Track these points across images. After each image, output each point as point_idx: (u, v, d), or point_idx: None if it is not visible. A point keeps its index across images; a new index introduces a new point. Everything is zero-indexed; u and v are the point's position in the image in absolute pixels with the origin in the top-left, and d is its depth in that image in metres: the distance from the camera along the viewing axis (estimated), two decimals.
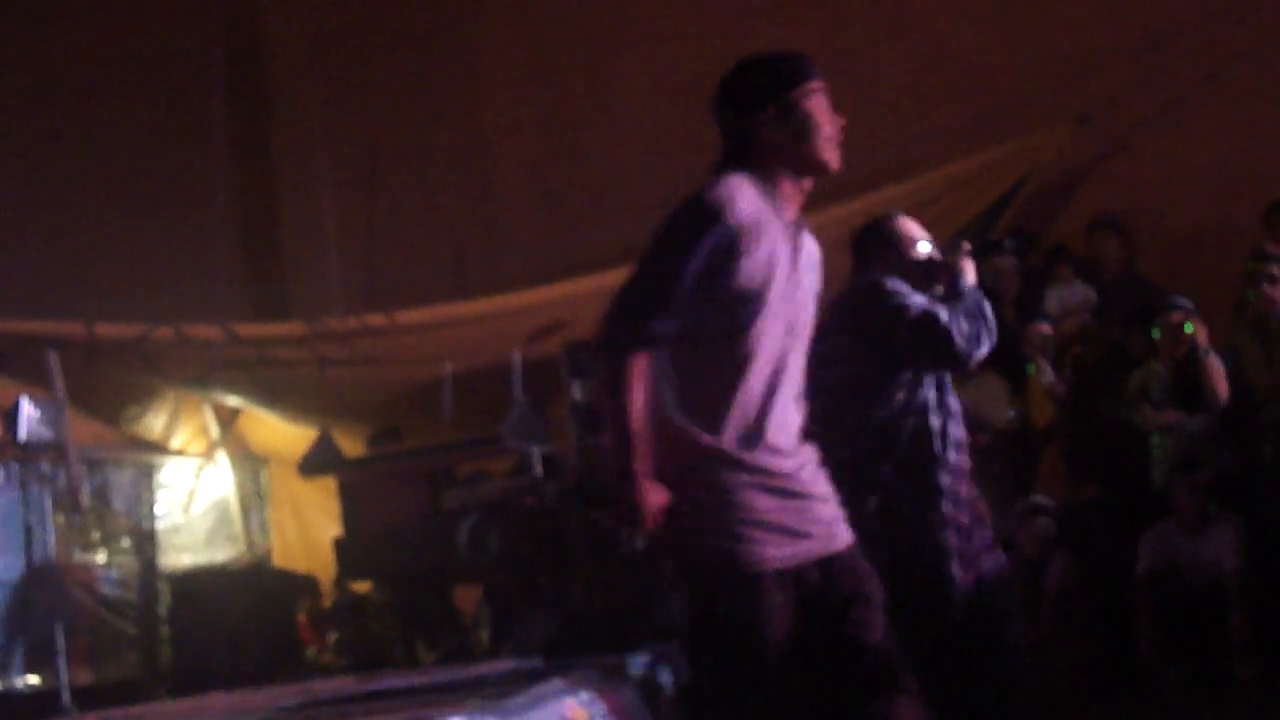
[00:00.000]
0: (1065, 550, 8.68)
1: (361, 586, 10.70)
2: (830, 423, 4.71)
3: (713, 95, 3.92)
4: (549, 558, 9.24)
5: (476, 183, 12.99)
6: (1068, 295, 10.12)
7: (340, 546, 10.45)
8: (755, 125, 3.80)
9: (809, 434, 4.02)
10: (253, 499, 12.70)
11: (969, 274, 5.06)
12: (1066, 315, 9.90)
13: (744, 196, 3.67)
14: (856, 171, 10.90)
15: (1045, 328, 9.48)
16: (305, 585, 11.39)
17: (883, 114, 11.39)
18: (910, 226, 5.20)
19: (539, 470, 9.59)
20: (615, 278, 11.03)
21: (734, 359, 3.65)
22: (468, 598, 10.48)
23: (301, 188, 13.83)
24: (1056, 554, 8.70)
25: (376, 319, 11.63)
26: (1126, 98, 10.69)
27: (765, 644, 3.53)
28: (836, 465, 4.22)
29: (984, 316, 4.88)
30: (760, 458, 3.64)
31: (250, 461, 12.69)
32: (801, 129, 3.81)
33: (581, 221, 12.24)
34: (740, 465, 3.62)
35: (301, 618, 11.19)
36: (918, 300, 4.89)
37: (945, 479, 4.89)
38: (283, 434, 12.31)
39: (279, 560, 12.41)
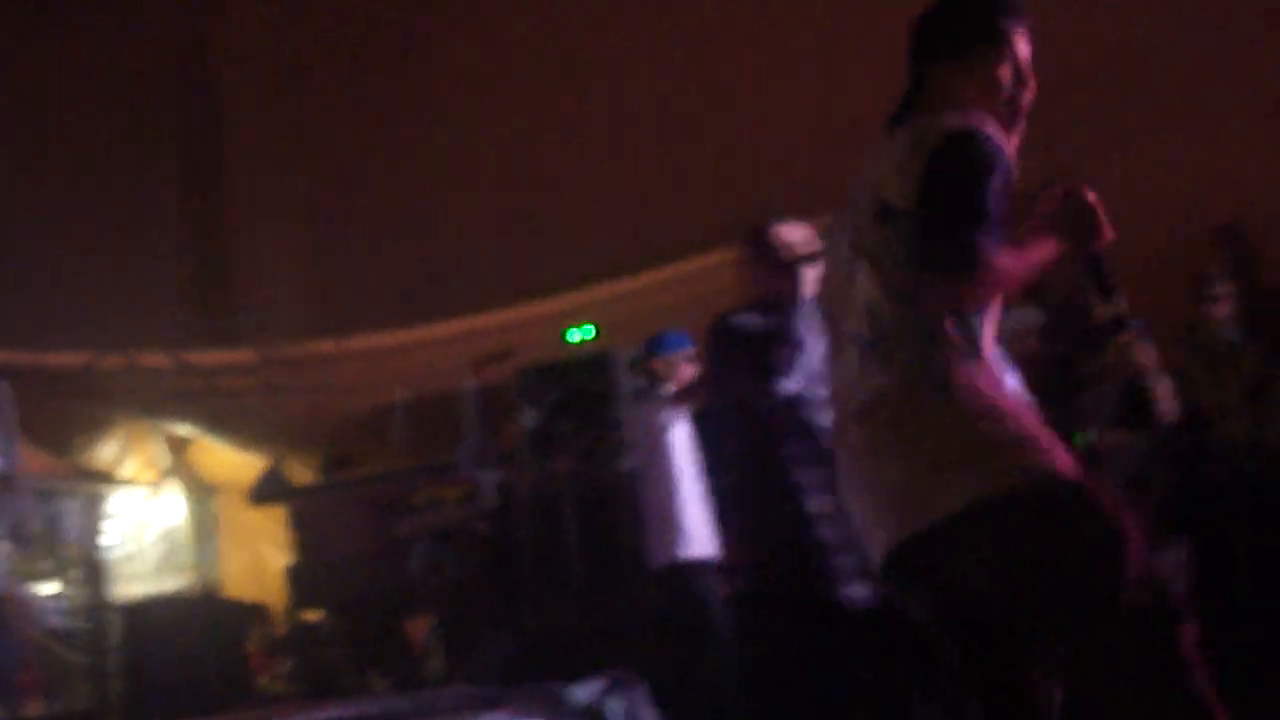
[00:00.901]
0: None
1: (313, 615, 10.67)
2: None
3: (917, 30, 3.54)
4: (502, 585, 9.23)
5: (428, 208, 12.97)
6: (1015, 319, 10.17)
7: (291, 575, 10.43)
8: (974, 63, 3.43)
9: None
10: (203, 528, 12.64)
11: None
12: (1014, 339, 9.95)
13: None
14: (784, 202, 11.03)
15: None
16: (256, 614, 11.34)
17: (809, 146, 11.42)
18: (792, 231, 5.30)
19: (491, 497, 9.58)
20: (567, 301, 11.05)
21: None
22: (420, 625, 10.45)
23: (252, 215, 13.78)
24: None
25: (327, 346, 11.60)
26: (1071, 128, 10.75)
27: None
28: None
29: (799, 347, 4.95)
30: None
31: (201, 490, 12.64)
32: (1021, 72, 3.44)
33: (534, 246, 12.22)
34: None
35: (253, 647, 11.14)
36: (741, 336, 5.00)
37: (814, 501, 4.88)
38: (233, 463, 12.27)
39: (230, 589, 12.34)
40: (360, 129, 13.30)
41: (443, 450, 9.69)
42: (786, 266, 5.19)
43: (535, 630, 8.90)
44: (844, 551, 4.81)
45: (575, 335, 10.35)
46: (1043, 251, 3.27)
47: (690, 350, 7.32)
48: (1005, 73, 3.43)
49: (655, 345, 7.39)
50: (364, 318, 12.28)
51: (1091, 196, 3.35)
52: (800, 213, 10.67)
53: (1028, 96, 3.45)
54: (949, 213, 3.12)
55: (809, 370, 4.96)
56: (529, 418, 9.58)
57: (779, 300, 5.16)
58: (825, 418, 4.87)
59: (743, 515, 5.06)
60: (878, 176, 3.31)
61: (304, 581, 10.39)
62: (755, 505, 5.00)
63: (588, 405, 9.70)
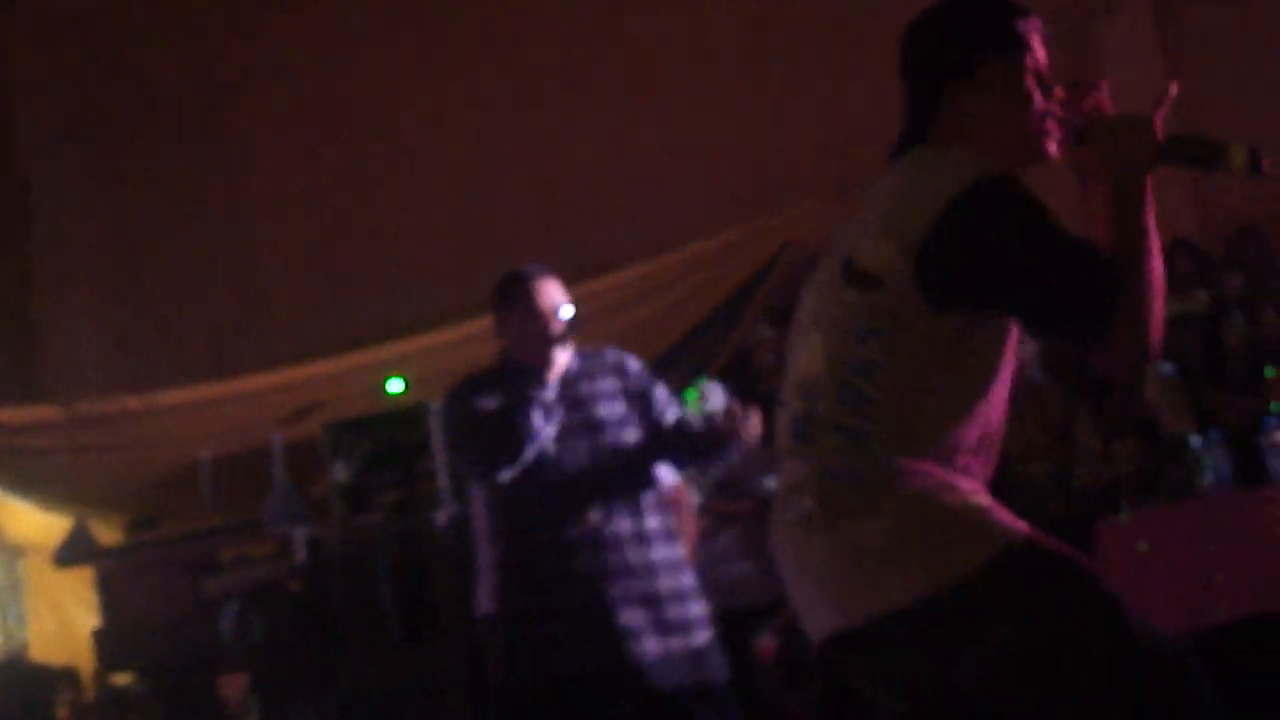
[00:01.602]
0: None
1: (123, 678, 10.45)
2: None
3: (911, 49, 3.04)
4: (316, 642, 9.11)
5: (237, 260, 12.79)
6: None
7: (100, 638, 10.21)
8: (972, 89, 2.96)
9: None
10: (8, 591, 12.31)
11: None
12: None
13: None
14: (606, 250, 11.10)
15: None
16: (65, 678, 11.06)
17: (634, 192, 11.49)
18: (548, 289, 5.03)
19: (302, 553, 9.46)
20: (379, 354, 10.91)
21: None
22: (234, 686, 10.25)
23: (56, 268, 13.47)
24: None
25: (134, 402, 11.36)
26: (881, 168, 10.92)
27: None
28: None
29: (516, 432, 4.75)
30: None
31: (4, 552, 12.31)
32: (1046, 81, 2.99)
33: (346, 298, 12.11)
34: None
35: (62, 712, 10.88)
36: (459, 414, 4.88)
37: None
38: (38, 523, 11.95)
39: (37, 653, 12.02)
40: (168, 179, 13.07)
41: (252, 507, 9.55)
42: (540, 328, 4.99)
43: (351, 688, 8.79)
44: (582, 620, 4.74)
45: (387, 388, 10.27)
46: (1127, 208, 2.77)
47: None
48: (1030, 84, 2.93)
49: None
50: (172, 372, 12.05)
51: (1105, 113, 2.87)
52: (618, 262, 10.83)
53: (1056, 108, 2.95)
54: (1047, 279, 2.71)
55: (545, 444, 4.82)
56: (339, 472, 9.48)
57: (523, 367, 4.98)
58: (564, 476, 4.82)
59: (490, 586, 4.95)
60: (853, 231, 2.96)
61: (113, 644, 10.17)
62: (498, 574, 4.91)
63: (400, 458, 9.63)
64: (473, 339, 10.96)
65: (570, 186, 11.76)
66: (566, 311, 5.03)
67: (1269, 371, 7.67)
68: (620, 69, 11.76)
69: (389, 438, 9.67)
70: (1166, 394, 7.76)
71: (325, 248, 12.51)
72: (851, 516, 2.79)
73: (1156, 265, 2.74)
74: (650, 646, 4.73)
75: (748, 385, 9.52)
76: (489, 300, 10.93)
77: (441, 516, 9.03)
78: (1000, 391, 2.88)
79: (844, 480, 2.81)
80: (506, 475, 4.72)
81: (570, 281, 10.84)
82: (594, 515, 4.76)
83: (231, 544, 10.32)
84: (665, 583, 4.82)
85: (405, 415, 9.80)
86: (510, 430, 4.70)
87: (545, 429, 4.73)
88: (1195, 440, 6.77)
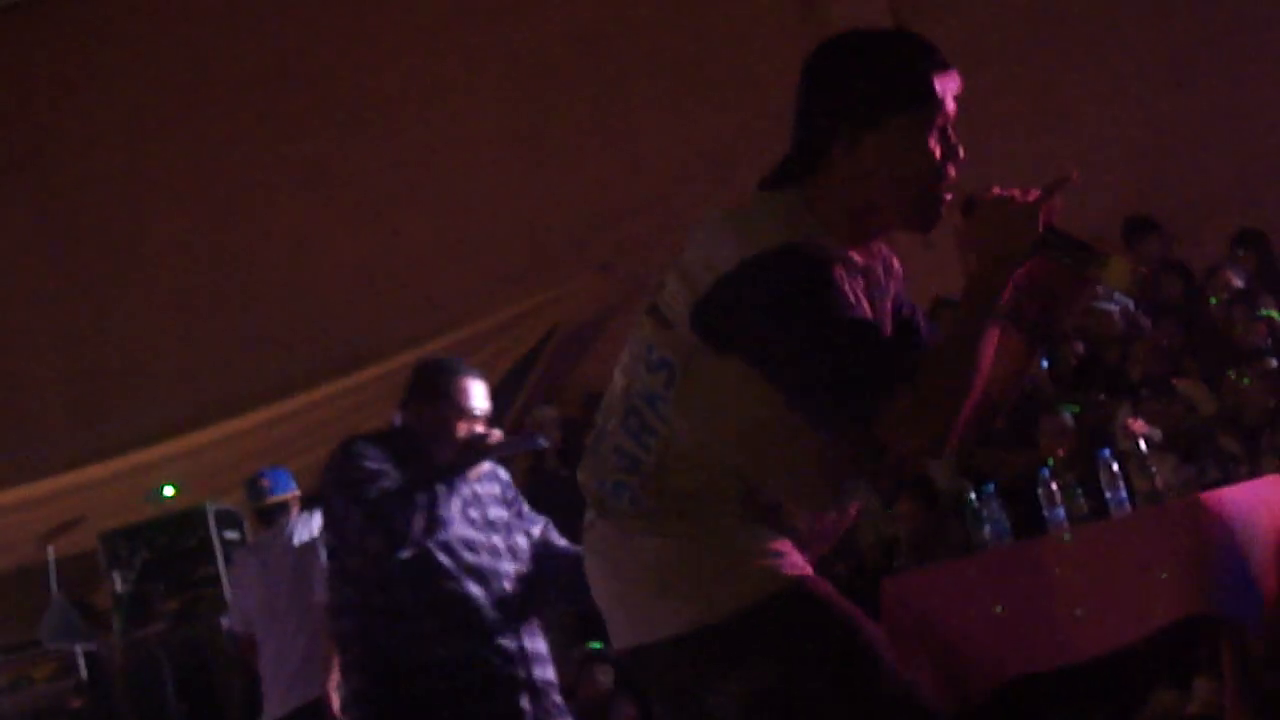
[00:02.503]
0: (627, 700, 8.21)
1: None
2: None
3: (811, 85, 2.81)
4: None
5: None
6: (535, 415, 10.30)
7: None
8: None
9: None
10: None
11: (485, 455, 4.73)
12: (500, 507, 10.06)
13: None
14: (395, 332, 11.03)
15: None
16: None
17: (417, 275, 11.47)
18: (467, 390, 4.75)
19: (83, 670, 9.17)
20: (142, 458, 10.61)
21: None
22: None
23: None
24: (616, 705, 8.22)
25: None
26: (646, 243, 11.07)
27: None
28: None
29: (429, 510, 4.50)
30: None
31: None
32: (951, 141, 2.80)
33: (109, 401, 11.82)
34: None
35: None
36: (366, 469, 4.56)
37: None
38: None
39: None
40: None
41: (27, 627, 9.23)
42: (448, 427, 4.73)
43: None
44: (477, 699, 4.62)
45: (160, 494, 10.06)
46: (979, 297, 2.64)
47: (296, 491, 7.16)
48: (934, 143, 2.74)
49: (265, 490, 7.16)
50: None
51: (996, 191, 2.70)
52: (391, 350, 10.76)
53: (953, 172, 2.76)
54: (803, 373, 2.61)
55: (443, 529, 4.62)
56: (116, 583, 9.24)
57: (426, 452, 4.73)
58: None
59: (359, 667, 4.78)
60: (671, 266, 2.81)
61: None
62: (371, 657, 4.67)
63: (178, 564, 9.43)
64: (241, 435, 10.82)
65: (336, 277, 11.68)
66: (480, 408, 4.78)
67: (1071, 407, 7.82)
68: (387, 156, 11.74)
69: (165, 544, 9.46)
70: None
71: (87, 349, 12.20)
72: (626, 538, 2.78)
73: (984, 358, 2.60)
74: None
75: (539, 463, 9.54)
76: (252, 397, 10.88)
77: (226, 621, 8.83)
78: (805, 438, 2.73)
79: (618, 502, 2.79)
80: (407, 553, 4.57)
81: (338, 372, 10.94)
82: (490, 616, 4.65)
83: (8, 667, 9.95)
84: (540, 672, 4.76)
85: (181, 519, 9.61)
86: (430, 506, 4.51)
87: (452, 517, 4.59)
88: (971, 496, 6.89)
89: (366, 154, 11.82)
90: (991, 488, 6.87)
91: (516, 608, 4.68)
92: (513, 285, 11.05)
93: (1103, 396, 8.35)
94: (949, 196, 2.76)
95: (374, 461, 4.58)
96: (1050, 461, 6.80)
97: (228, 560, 9.07)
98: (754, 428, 2.73)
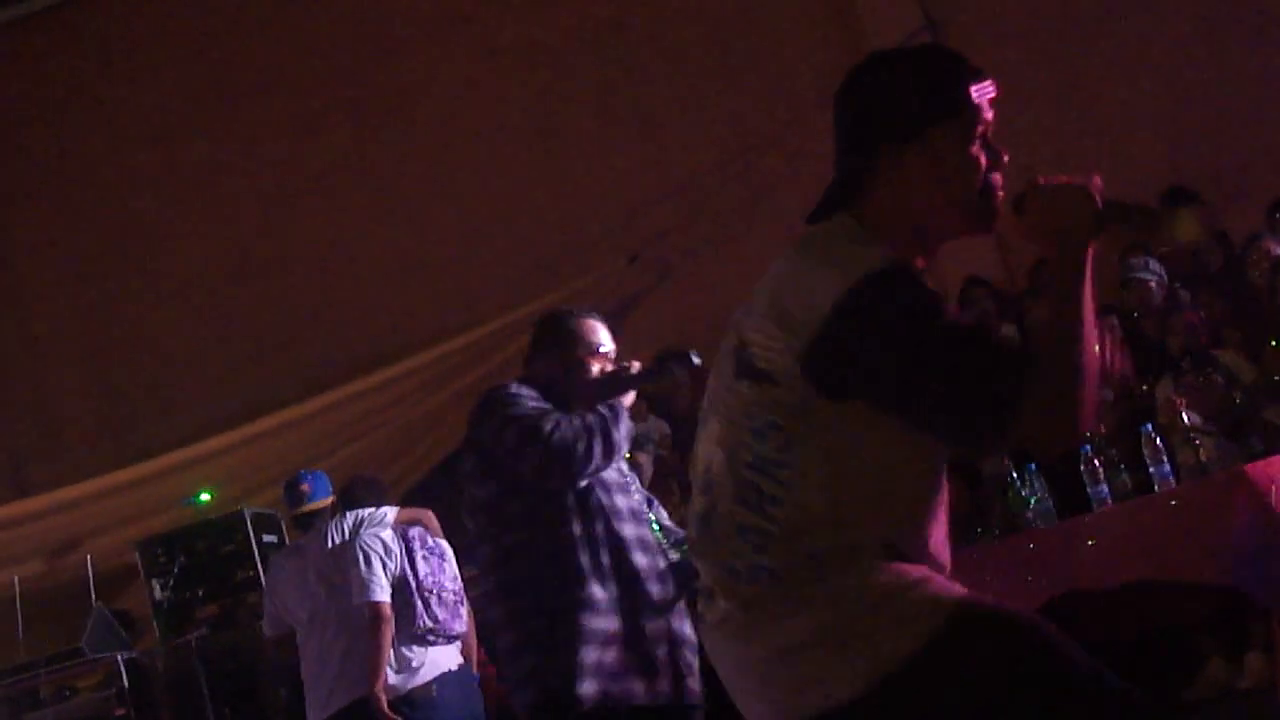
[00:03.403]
0: None
1: None
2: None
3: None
4: None
5: (29, 386, 12.41)
6: (642, 430, 10.28)
7: None
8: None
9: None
10: None
11: (627, 396, 4.64)
12: (639, 450, 10.03)
13: None
14: (423, 328, 11.02)
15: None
16: None
17: (444, 271, 11.46)
18: (593, 329, 4.72)
19: (125, 679, 9.15)
20: (173, 460, 10.57)
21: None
22: None
23: None
24: None
25: None
26: (672, 233, 11.01)
27: None
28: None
29: (595, 434, 4.41)
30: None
31: None
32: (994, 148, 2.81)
33: (142, 414, 11.84)
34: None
35: None
36: (531, 406, 4.48)
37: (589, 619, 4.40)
38: None
39: None
40: None
41: (70, 635, 9.22)
42: (585, 366, 4.67)
43: None
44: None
45: (197, 500, 10.05)
46: (1066, 281, 2.61)
47: (332, 495, 7.12)
48: (977, 150, 2.74)
49: (305, 496, 7.12)
50: None
51: (1042, 180, 2.70)
52: (433, 340, 10.73)
53: (1000, 177, 2.77)
54: (933, 378, 2.53)
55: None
56: (155, 590, 9.22)
57: (563, 393, 4.63)
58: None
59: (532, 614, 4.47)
60: (747, 318, 2.74)
61: None
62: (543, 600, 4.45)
63: (217, 569, 9.41)
64: (274, 433, 10.81)
65: (365, 276, 11.68)
66: (607, 348, 4.72)
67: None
68: (410, 153, 11.72)
69: (204, 549, 9.45)
70: None
71: (119, 366, 12.21)
72: (773, 618, 2.65)
73: (1090, 340, 2.57)
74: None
75: None
76: (284, 399, 10.85)
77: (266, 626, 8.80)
78: (929, 466, 2.72)
79: (754, 581, 2.66)
80: (585, 479, 4.42)
81: (370, 369, 10.90)
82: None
83: (52, 678, 9.95)
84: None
85: (218, 524, 9.58)
86: (604, 431, 4.43)
87: (623, 443, 4.51)
88: (1014, 477, 6.82)
89: (389, 152, 11.81)
90: (1034, 467, 6.80)
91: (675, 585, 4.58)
92: (545, 276, 11.01)
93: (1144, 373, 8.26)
94: (1001, 195, 2.75)
95: (533, 401, 4.51)
96: (1093, 439, 6.70)
97: (266, 564, 9.05)
98: (883, 474, 2.65)
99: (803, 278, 2.65)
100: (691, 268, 11.13)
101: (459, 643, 6.84)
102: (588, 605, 4.36)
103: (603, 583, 4.40)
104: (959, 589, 2.67)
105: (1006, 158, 2.76)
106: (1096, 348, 2.58)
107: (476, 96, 11.66)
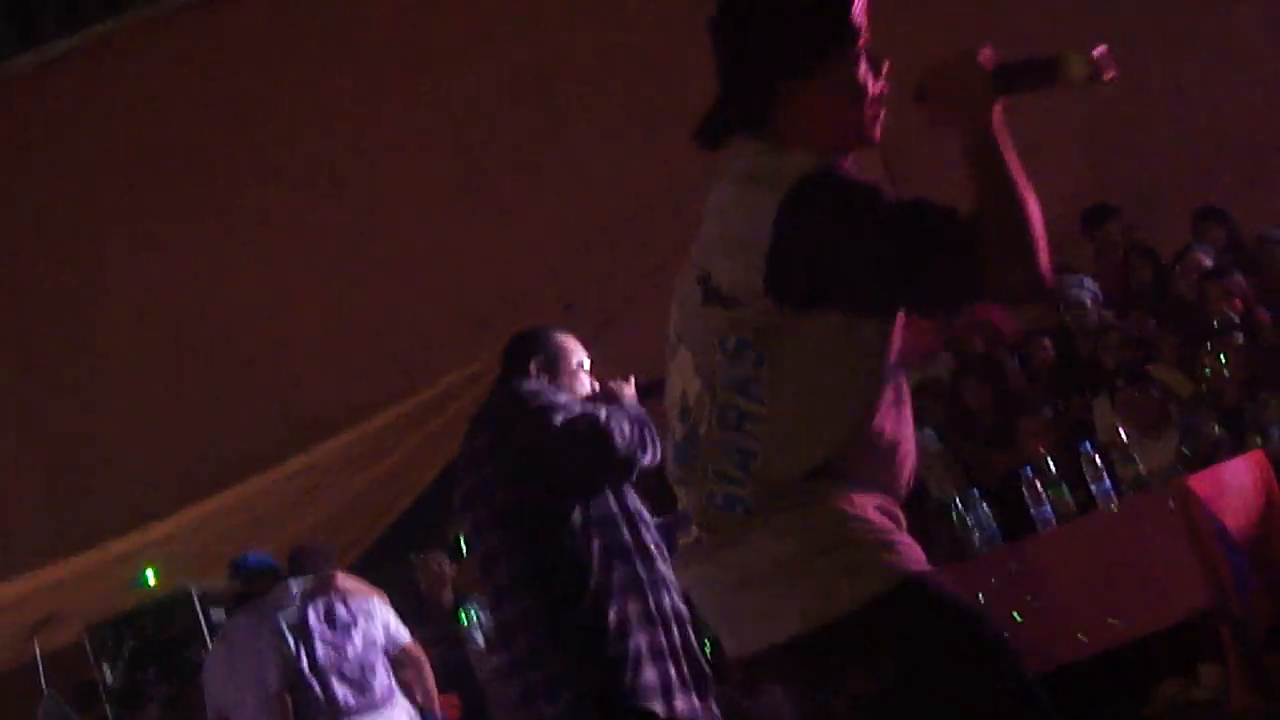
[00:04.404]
0: None
1: None
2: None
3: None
4: None
5: None
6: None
7: None
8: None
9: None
10: None
11: (628, 394, 4.69)
12: None
13: None
14: (364, 393, 10.92)
15: None
16: None
17: (381, 334, 11.39)
18: (575, 343, 4.78)
19: None
20: (120, 548, 10.45)
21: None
22: None
23: None
24: None
25: None
26: (608, 279, 11.02)
27: None
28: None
29: (648, 424, 4.46)
30: None
31: None
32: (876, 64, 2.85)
33: (87, 492, 11.68)
34: None
35: None
36: (565, 398, 4.48)
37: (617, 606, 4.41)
38: None
39: None
40: None
41: None
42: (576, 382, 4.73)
43: None
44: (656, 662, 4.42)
45: (143, 580, 9.95)
46: (981, 150, 2.62)
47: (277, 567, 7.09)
48: (865, 72, 2.78)
49: (255, 571, 7.08)
50: None
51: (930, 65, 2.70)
52: (367, 409, 10.65)
53: (885, 87, 2.81)
54: (875, 257, 2.57)
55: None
56: (106, 675, 9.14)
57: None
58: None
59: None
60: (701, 252, 2.80)
61: None
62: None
63: (168, 649, 9.33)
64: (217, 514, 10.70)
65: (300, 341, 11.59)
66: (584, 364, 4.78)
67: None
68: (338, 215, 11.67)
69: (153, 630, 9.37)
70: (932, 461, 7.85)
71: (60, 443, 12.07)
72: (737, 545, 2.71)
73: (1026, 189, 2.59)
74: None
75: None
76: (227, 468, 10.74)
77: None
78: (894, 390, 2.76)
79: (729, 508, 2.71)
80: (645, 461, 4.42)
81: (313, 438, 10.79)
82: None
83: None
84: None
85: (166, 604, 9.51)
86: (651, 427, 4.43)
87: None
88: (958, 502, 6.85)
89: (318, 214, 11.73)
90: (976, 492, 6.82)
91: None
92: (478, 331, 10.97)
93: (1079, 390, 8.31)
94: (883, 112, 2.80)
95: (575, 401, 4.54)
96: (1032, 460, 6.75)
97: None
98: (849, 385, 2.69)
99: (743, 199, 2.71)
100: (626, 311, 11.14)
101: (390, 707, 6.76)
102: (637, 617, 4.41)
103: (639, 591, 4.44)
104: (924, 564, 2.71)
105: (887, 65, 2.81)
106: (1027, 190, 2.59)
107: (402, 156, 11.63)
